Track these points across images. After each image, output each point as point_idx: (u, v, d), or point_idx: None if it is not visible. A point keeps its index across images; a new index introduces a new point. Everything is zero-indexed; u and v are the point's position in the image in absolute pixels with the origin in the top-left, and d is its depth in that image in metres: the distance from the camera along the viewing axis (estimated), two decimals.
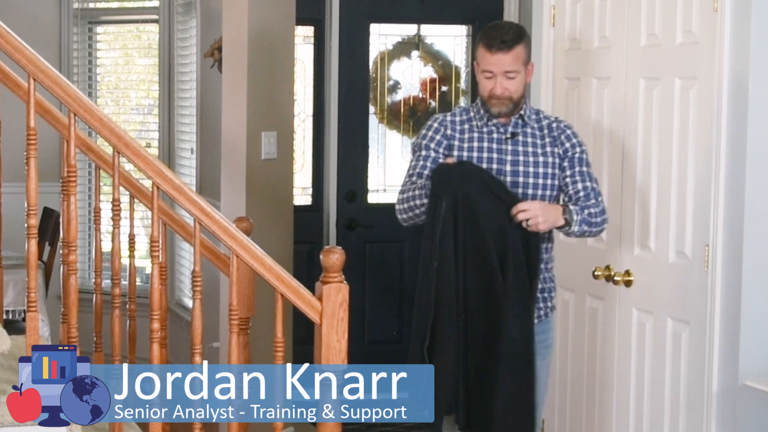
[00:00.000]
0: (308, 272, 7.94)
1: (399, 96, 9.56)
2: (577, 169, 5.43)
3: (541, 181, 5.38)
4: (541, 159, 5.40)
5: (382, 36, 9.48)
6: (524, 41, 5.33)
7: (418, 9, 9.41)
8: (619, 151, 6.41)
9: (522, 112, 5.41)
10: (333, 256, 4.90)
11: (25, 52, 4.99)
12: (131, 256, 5.55)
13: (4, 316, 6.18)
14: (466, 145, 5.43)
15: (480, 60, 5.31)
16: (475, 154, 5.40)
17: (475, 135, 5.43)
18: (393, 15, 9.48)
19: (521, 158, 5.37)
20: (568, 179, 5.43)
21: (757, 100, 5.50)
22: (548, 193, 5.40)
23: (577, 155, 5.46)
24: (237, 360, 5.15)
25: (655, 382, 6.16)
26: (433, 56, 9.57)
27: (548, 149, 5.43)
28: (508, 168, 5.36)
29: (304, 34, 9.33)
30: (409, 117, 9.57)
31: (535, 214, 5.15)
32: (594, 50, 6.66)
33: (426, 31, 9.53)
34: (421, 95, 9.58)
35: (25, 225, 4.97)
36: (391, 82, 9.55)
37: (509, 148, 5.39)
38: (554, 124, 5.50)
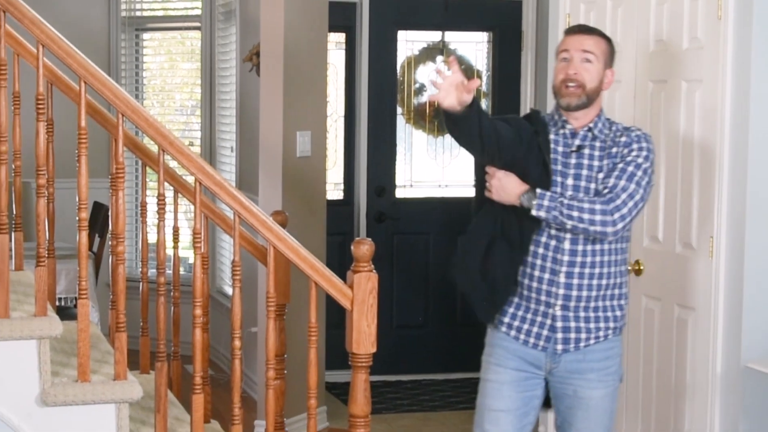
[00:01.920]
0: (340, 262, 7.96)
1: (424, 98, 9.57)
2: (619, 164, 4.75)
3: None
4: (603, 174, 4.77)
5: (409, 42, 9.49)
6: (608, 41, 4.86)
7: (442, 17, 9.42)
8: None
9: (591, 124, 4.80)
10: (363, 247, 4.93)
11: (76, 57, 5.03)
12: (175, 247, 5.59)
13: (57, 303, 6.22)
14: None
15: (559, 46, 4.88)
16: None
17: (550, 138, 4.87)
18: (419, 22, 9.49)
19: (584, 172, 4.78)
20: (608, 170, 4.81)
21: (758, 102, 5.52)
22: None
23: (627, 155, 4.77)
24: (274, 344, 5.19)
25: (662, 364, 6.18)
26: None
27: (609, 161, 4.80)
28: (570, 182, 4.77)
29: (336, 40, 9.35)
30: (434, 117, 9.58)
31: (491, 182, 4.81)
32: None
33: (449, 37, 9.54)
34: None
35: (77, 218, 5.01)
36: (417, 85, 9.56)
37: (573, 161, 4.80)
38: (623, 132, 4.85)
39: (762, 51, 5.49)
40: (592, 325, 4.81)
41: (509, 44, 9.50)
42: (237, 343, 5.18)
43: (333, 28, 8.36)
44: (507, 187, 4.74)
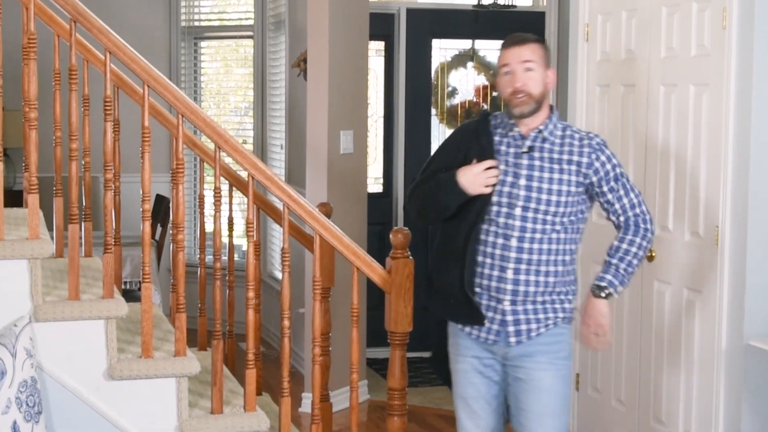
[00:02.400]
0: (379, 249, 7.96)
1: (456, 100, 9.57)
2: (612, 185, 4.70)
3: (554, 198, 4.58)
4: (556, 176, 4.60)
5: (442, 49, 9.49)
6: (541, 43, 4.75)
7: (472, 27, 9.41)
8: (642, 147, 6.42)
9: (542, 126, 4.65)
10: (400, 235, 4.94)
11: (140, 63, 5.06)
12: (230, 236, 5.60)
13: (123, 286, 6.26)
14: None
15: (499, 61, 4.72)
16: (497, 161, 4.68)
17: (497, 141, 4.71)
18: (451, 32, 9.48)
19: (536, 173, 4.58)
20: (608, 198, 4.73)
21: (760, 104, 5.50)
22: (561, 209, 4.60)
23: (611, 172, 4.71)
24: (319, 323, 5.20)
25: (672, 342, 6.17)
26: (485, 66, 9.58)
27: (566, 166, 4.62)
28: (523, 182, 4.58)
29: (376, 47, 9.35)
30: (465, 117, 9.58)
31: (600, 328, 4.75)
32: (621, 61, 6.66)
33: (479, 45, 9.54)
34: (474, 99, 9.59)
35: (140, 209, 5.04)
36: (449, 88, 9.56)
37: (525, 162, 4.61)
38: (585, 141, 4.71)
39: (763, 57, 5.47)
40: (540, 316, 4.64)
41: None
42: (286, 322, 5.20)
43: (373, 36, 8.35)
44: (600, 316, 4.80)
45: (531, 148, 4.61)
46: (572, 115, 7.18)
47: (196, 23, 10.56)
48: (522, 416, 4.64)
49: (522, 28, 9.29)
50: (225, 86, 10.81)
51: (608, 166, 4.70)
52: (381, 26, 9.06)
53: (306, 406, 7.48)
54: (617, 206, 4.73)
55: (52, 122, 5.35)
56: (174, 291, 5.15)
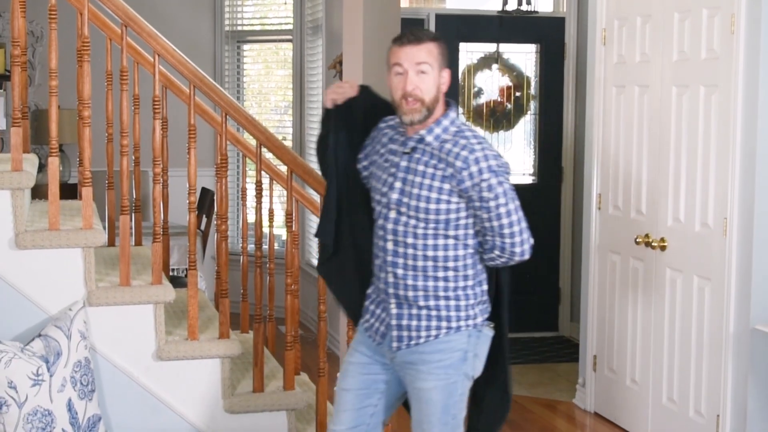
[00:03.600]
0: None
1: (482, 100, 9.54)
2: (481, 203, 3.99)
3: (424, 204, 3.99)
4: (427, 181, 4.01)
5: (469, 52, 9.46)
6: (438, 42, 4.11)
7: (497, 31, 9.39)
8: (656, 144, 6.40)
9: (424, 131, 4.06)
10: None
11: (187, 65, 5.07)
12: (270, 226, 5.61)
13: (170, 273, 6.27)
14: (378, 150, 4.26)
15: (390, 58, 4.13)
16: (379, 159, 4.22)
17: (387, 144, 4.22)
18: (477, 36, 9.46)
19: (410, 177, 4.03)
20: (483, 225, 4.05)
21: (766, 104, 5.49)
22: (434, 216, 4.00)
23: (482, 184, 3.96)
24: None
25: (683, 326, 6.15)
26: (509, 68, 9.54)
27: (441, 170, 4.00)
28: (398, 185, 4.06)
29: None
30: (490, 116, 9.55)
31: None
32: (636, 64, 6.64)
33: (503, 48, 9.50)
34: (499, 99, 9.55)
35: (187, 201, 5.05)
36: (475, 89, 9.53)
37: (403, 164, 4.06)
38: (468, 148, 4.00)
39: None
40: (423, 323, 4.07)
41: (554, 54, 9.47)
42: (322, 307, 5.21)
43: None
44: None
45: (413, 149, 4.06)
46: (590, 114, 7.16)
47: (239, 28, 10.57)
48: (412, 421, 4.21)
49: (543, 31, 9.35)
50: (266, 86, 10.82)
51: (478, 179, 3.95)
52: None
53: None
54: (485, 225, 4.04)
55: (104, 120, 5.37)
56: (218, 277, 5.15)
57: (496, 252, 4.11)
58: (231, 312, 5.19)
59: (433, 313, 4.08)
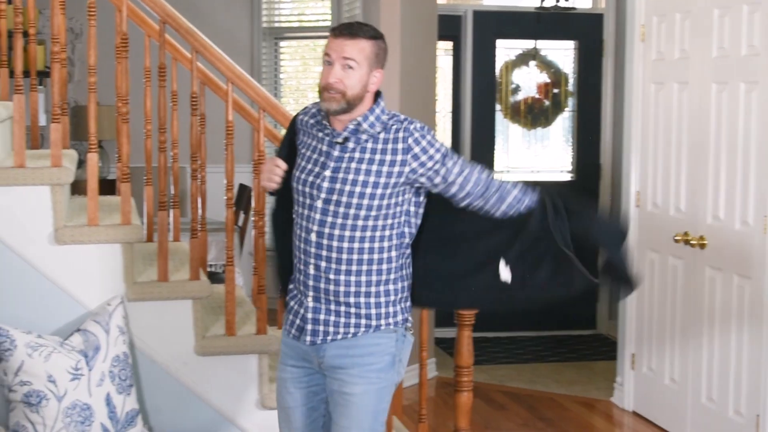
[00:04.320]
0: None
1: (519, 96, 9.53)
2: (439, 168, 3.92)
3: (358, 189, 3.85)
4: (365, 167, 3.87)
5: (506, 49, 9.46)
6: (375, 40, 3.92)
7: (535, 27, 9.38)
8: (696, 141, 6.38)
9: (360, 118, 3.90)
10: None
11: (225, 62, 5.09)
12: None
13: (208, 269, 6.29)
14: (306, 142, 4.07)
15: (326, 45, 3.92)
16: (306, 152, 4.04)
17: (314, 134, 4.04)
18: (515, 32, 9.46)
19: (343, 165, 3.88)
20: (445, 182, 3.94)
21: None
22: (367, 204, 3.86)
23: (435, 156, 3.92)
24: None
25: (723, 325, 6.13)
26: (546, 65, 9.53)
27: (380, 157, 3.88)
28: (327, 174, 3.89)
29: (445, 47, 9.34)
30: (528, 113, 9.55)
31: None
32: (675, 60, 6.61)
33: (541, 45, 9.49)
34: (537, 96, 9.54)
35: (224, 197, 5.07)
36: (513, 86, 9.52)
37: (335, 153, 3.91)
38: (403, 127, 3.94)
39: None
40: (342, 320, 3.93)
41: (592, 51, 9.46)
42: None
43: (441, 37, 8.34)
44: None
45: (346, 139, 3.91)
46: (628, 111, 7.14)
47: (277, 24, 10.58)
48: (333, 428, 4.02)
49: (581, 28, 9.33)
50: (303, 83, 10.84)
51: (431, 151, 3.91)
52: (449, 27, 9.05)
53: None
54: (456, 188, 3.95)
55: (142, 116, 5.40)
56: (255, 273, 5.17)
57: (497, 208, 4.01)
58: (268, 308, 5.21)
59: (353, 310, 3.93)
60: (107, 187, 7.17)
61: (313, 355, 3.99)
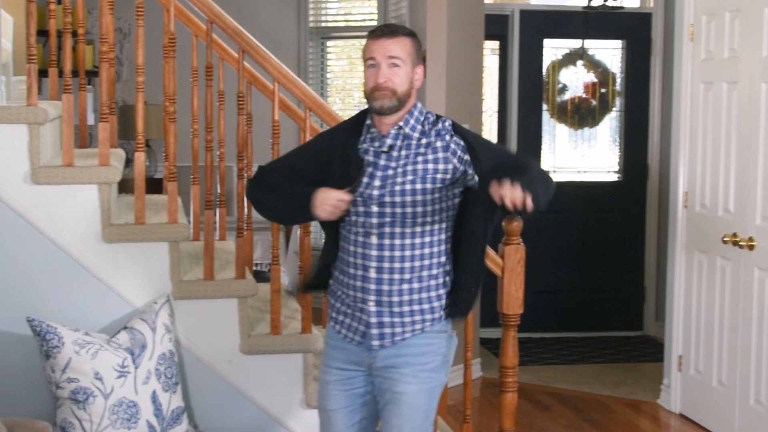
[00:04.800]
0: (493, 236, 7.93)
1: (566, 96, 9.50)
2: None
3: (409, 198, 3.93)
4: (410, 168, 3.95)
5: (553, 48, 9.43)
6: (413, 38, 4.03)
7: (582, 27, 9.35)
8: (745, 141, 6.34)
9: (401, 123, 3.98)
10: (513, 223, 4.91)
11: (271, 62, 5.10)
12: None
13: (254, 268, 6.31)
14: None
15: (365, 50, 3.99)
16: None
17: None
18: (562, 32, 9.43)
19: (390, 171, 3.96)
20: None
21: None
22: (418, 199, 3.93)
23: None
24: None
25: None
26: (594, 64, 9.49)
27: (429, 156, 3.96)
28: (377, 183, 3.96)
29: (491, 47, 9.33)
30: (575, 113, 9.51)
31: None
32: (725, 60, 6.57)
33: (588, 44, 9.45)
34: (584, 96, 9.51)
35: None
36: (560, 85, 9.49)
37: (381, 162, 3.98)
38: (438, 125, 4.03)
39: None
40: (407, 319, 4.00)
41: (640, 51, 9.41)
42: None
43: (488, 36, 8.33)
44: None
45: (391, 147, 3.98)
46: (677, 111, 7.11)
47: (323, 24, 10.61)
48: (384, 427, 4.07)
49: (629, 27, 9.29)
50: (350, 83, 10.85)
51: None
52: (496, 27, 9.04)
53: None
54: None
55: (189, 115, 5.42)
56: (301, 272, 5.18)
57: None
58: (313, 307, 5.22)
59: (416, 307, 4.00)
60: (154, 185, 7.20)
61: (364, 356, 4.05)
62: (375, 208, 3.96)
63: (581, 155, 9.58)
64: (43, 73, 6.13)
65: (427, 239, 4.00)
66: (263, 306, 5.46)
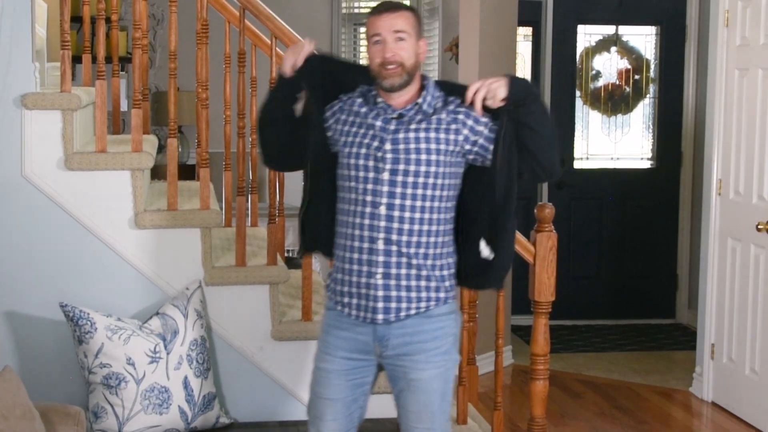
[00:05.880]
0: (525, 223, 7.91)
1: (600, 83, 9.47)
2: (492, 125, 3.95)
3: (423, 157, 3.88)
4: (423, 135, 3.91)
5: (587, 35, 9.39)
6: (414, 12, 4.00)
7: (616, 12, 9.32)
8: None
9: (420, 100, 3.94)
10: (545, 210, 4.90)
11: None
12: None
13: (285, 254, 6.32)
14: (347, 120, 4.02)
15: (368, 29, 3.95)
16: (353, 129, 4.00)
17: (361, 113, 4.00)
18: (596, 18, 9.39)
19: (401, 136, 3.89)
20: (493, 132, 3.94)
21: None
22: (431, 169, 3.88)
23: (484, 117, 3.96)
24: (468, 292, 5.20)
25: None
26: (627, 51, 9.45)
27: (440, 125, 3.93)
28: (388, 146, 3.88)
29: (524, 33, 9.30)
30: (608, 100, 9.48)
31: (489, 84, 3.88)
32: (760, 46, 6.53)
33: (622, 30, 9.41)
34: (617, 82, 9.47)
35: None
36: (593, 72, 9.46)
37: (392, 127, 3.91)
38: (450, 106, 4.00)
39: None
40: (413, 294, 3.92)
41: (674, 37, 9.36)
42: None
43: (521, 23, 8.30)
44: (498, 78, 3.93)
45: (401, 115, 3.92)
46: (711, 98, 7.07)
47: (356, 10, 10.60)
48: (402, 413, 4.04)
49: (664, 13, 9.25)
50: None
51: (480, 125, 3.94)
52: (529, 13, 9.01)
53: None
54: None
55: (222, 102, 5.43)
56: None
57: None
58: None
59: (423, 283, 3.93)
60: (187, 172, 7.23)
61: (374, 345, 3.97)
62: (386, 176, 3.88)
63: (614, 142, 9.55)
64: (76, 60, 6.15)
65: (435, 216, 3.92)
66: (295, 292, 5.47)
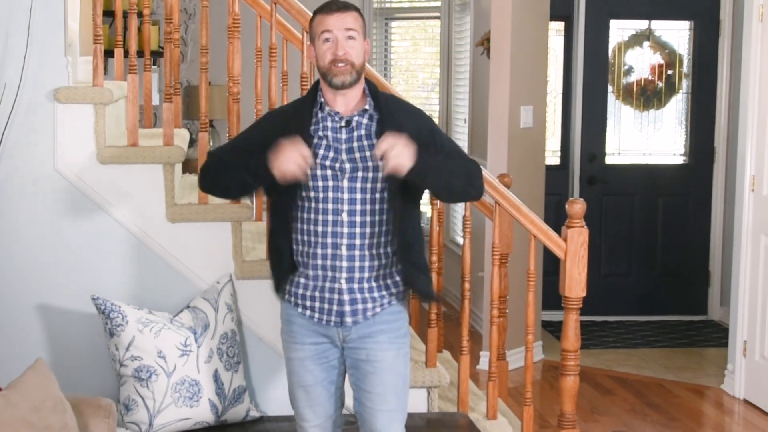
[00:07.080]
0: (556, 219, 7.91)
1: (632, 78, 9.44)
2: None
3: (379, 174, 3.95)
4: (369, 143, 3.98)
5: (619, 29, 9.36)
6: (360, 13, 4.05)
7: (649, 7, 9.29)
8: None
9: (367, 106, 4.01)
10: (576, 206, 4.90)
11: None
12: None
13: None
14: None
15: (317, 27, 3.98)
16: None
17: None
18: (628, 12, 9.36)
19: (355, 144, 3.97)
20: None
21: None
22: (379, 174, 3.95)
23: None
24: (497, 287, 5.21)
25: None
26: (660, 46, 9.42)
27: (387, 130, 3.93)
28: (344, 156, 3.96)
29: (556, 27, 9.28)
30: (641, 95, 9.45)
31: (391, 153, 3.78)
32: None
33: (655, 25, 9.38)
34: (650, 77, 9.44)
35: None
36: (626, 67, 9.43)
37: (343, 136, 3.98)
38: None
39: None
40: (376, 294, 4.04)
41: (708, 32, 9.32)
42: (466, 285, 5.22)
43: (553, 17, 8.29)
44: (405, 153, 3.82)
45: (348, 122, 3.99)
46: (745, 93, 7.04)
47: (388, 5, 10.61)
48: (365, 398, 4.12)
49: (698, 7, 9.21)
50: (413, 63, 10.85)
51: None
52: (561, 7, 8.99)
53: (483, 364, 7.50)
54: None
55: (253, 96, 5.45)
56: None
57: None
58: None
59: (382, 283, 4.06)
60: None
61: (338, 332, 4.09)
62: (345, 183, 3.98)
63: (647, 137, 9.53)
64: (108, 54, 6.19)
65: (384, 217, 4.01)
66: None
